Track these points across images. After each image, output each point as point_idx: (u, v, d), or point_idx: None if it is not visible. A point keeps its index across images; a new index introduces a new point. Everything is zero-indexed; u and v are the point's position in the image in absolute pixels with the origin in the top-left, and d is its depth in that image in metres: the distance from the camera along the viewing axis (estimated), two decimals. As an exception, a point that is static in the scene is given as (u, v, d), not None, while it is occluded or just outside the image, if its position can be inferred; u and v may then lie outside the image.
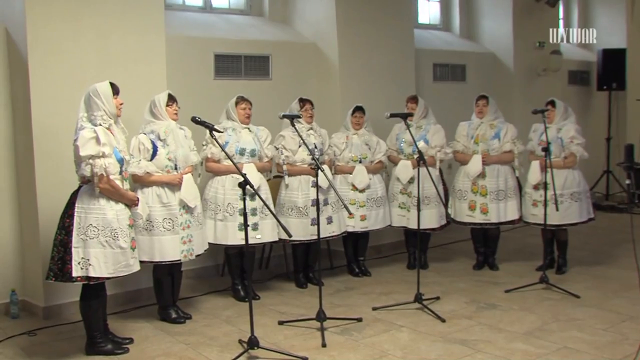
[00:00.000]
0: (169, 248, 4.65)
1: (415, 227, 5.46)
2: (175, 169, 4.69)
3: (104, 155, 3.89)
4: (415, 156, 5.75)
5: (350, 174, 5.88)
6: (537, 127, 5.98)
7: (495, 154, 5.96)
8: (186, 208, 4.73)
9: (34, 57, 4.75)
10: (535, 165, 5.75)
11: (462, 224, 6.14)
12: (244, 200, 4.10)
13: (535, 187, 5.75)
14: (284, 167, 5.49)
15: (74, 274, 3.94)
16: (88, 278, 3.97)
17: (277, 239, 5.41)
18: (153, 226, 4.61)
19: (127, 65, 5.11)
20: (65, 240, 3.96)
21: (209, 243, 5.11)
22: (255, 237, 5.18)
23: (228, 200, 5.16)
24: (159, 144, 4.63)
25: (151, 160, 4.61)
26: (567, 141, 5.74)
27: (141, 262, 4.48)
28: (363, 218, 5.92)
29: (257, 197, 4.90)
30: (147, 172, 4.58)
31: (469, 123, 6.14)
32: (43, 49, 4.77)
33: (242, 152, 5.21)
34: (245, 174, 4.09)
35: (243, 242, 4.85)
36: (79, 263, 3.94)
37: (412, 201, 5.96)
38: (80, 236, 3.94)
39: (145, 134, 4.64)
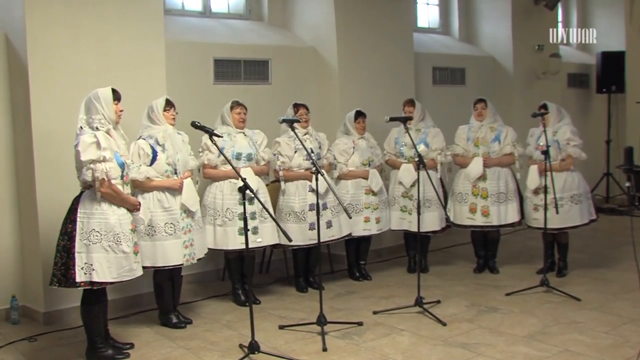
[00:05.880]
0: (172, 253, 4.65)
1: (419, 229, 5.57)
2: (175, 173, 4.69)
3: (104, 160, 3.90)
4: (416, 159, 5.80)
5: (365, 178, 5.89)
6: (534, 132, 5.98)
7: (496, 157, 5.97)
8: (187, 212, 4.73)
9: (33, 63, 4.76)
10: (533, 170, 5.74)
11: (463, 226, 6.13)
12: (244, 204, 4.11)
13: (535, 192, 5.74)
14: (281, 173, 5.50)
15: (78, 279, 3.94)
16: (92, 283, 3.98)
17: (277, 242, 5.40)
18: (155, 231, 4.61)
19: (127, 70, 5.12)
20: (68, 245, 3.96)
21: (209, 249, 5.12)
22: (256, 241, 5.19)
23: (227, 206, 5.17)
24: (158, 149, 4.63)
25: (151, 165, 4.61)
26: (563, 143, 5.74)
27: (144, 267, 4.50)
28: (378, 220, 5.96)
29: (256, 201, 4.92)
30: (148, 178, 4.58)
31: (468, 126, 6.14)
32: (43, 54, 4.78)
33: (238, 157, 5.21)
34: (245, 178, 4.09)
35: (244, 247, 4.89)
36: (82, 268, 3.94)
37: (414, 204, 5.95)
38: (83, 241, 3.94)
39: (144, 139, 4.64)
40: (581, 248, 6.80)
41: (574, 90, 10.06)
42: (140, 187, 4.60)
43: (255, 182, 5.12)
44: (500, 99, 8.17)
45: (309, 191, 5.50)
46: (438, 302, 5.22)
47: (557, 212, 5.44)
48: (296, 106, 5.65)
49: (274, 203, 5.62)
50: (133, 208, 4.18)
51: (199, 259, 4.89)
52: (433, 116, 6.37)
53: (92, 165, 3.89)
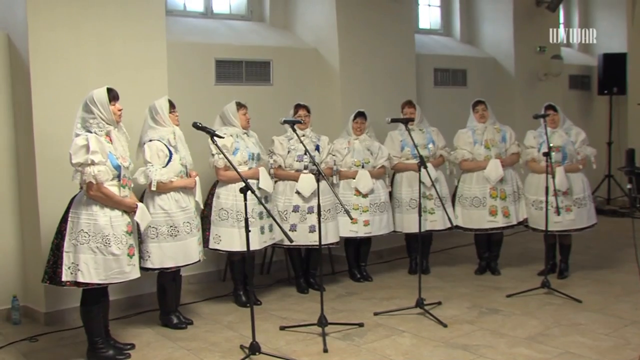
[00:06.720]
0: (192, 250, 4.68)
1: (444, 227, 5.94)
2: (186, 173, 4.70)
3: (92, 163, 3.86)
4: (430, 159, 5.92)
5: (354, 178, 5.87)
6: (537, 134, 5.94)
7: (507, 157, 5.99)
8: (197, 210, 4.77)
9: (35, 63, 4.77)
10: (561, 172, 5.63)
11: (483, 230, 6.00)
12: (245, 205, 4.11)
13: (565, 193, 5.67)
14: (271, 172, 5.51)
15: (64, 279, 3.96)
16: (77, 283, 3.98)
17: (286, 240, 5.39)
18: (178, 231, 4.60)
19: (129, 71, 5.12)
20: (60, 244, 3.99)
21: (236, 252, 5.20)
22: (272, 238, 5.34)
23: (251, 207, 5.10)
24: (172, 149, 4.62)
25: (166, 166, 4.57)
26: (579, 144, 5.80)
27: (167, 268, 4.57)
28: (366, 223, 5.89)
29: (268, 200, 5.22)
30: (170, 179, 4.56)
31: (471, 130, 6.07)
32: (44, 55, 4.79)
33: (252, 157, 5.22)
34: (247, 180, 4.13)
35: (264, 245, 5.28)
36: (68, 268, 3.95)
37: (434, 202, 5.97)
38: (71, 241, 3.95)
39: (159, 140, 4.59)
40: (582, 250, 6.79)
41: (576, 92, 10.06)
42: (163, 188, 4.53)
43: (271, 182, 5.28)
44: (501, 100, 8.17)
45: (295, 192, 5.51)
46: (439, 303, 5.22)
47: (558, 214, 5.48)
48: (296, 107, 5.66)
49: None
50: (130, 210, 4.15)
51: (201, 256, 4.94)
52: (434, 117, 6.39)
53: (80, 169, 3.89)
